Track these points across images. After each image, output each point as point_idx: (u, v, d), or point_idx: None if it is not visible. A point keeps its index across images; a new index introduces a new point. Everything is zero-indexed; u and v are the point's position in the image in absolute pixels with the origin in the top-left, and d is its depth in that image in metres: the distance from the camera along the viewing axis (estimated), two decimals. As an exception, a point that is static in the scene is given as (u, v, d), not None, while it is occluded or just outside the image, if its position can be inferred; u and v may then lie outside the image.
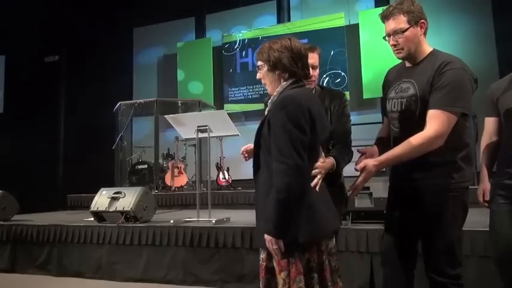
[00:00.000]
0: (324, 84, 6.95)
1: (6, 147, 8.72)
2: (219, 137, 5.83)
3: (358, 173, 1.80)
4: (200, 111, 6.85)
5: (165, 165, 6.99)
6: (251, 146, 1.92)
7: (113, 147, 6.65)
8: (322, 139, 1.70)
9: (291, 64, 1.62)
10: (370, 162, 1.76)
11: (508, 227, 1.90)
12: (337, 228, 1.69)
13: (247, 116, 8.02)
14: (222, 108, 7.97)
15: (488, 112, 2.13)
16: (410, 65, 1.94)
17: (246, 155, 2.01)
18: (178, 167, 6.72)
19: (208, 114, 4.44)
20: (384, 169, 2.19)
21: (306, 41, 6.80)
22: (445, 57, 1.80)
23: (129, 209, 3.89)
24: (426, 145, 1.74)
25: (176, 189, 6.56)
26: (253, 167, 1.68)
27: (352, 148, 2.13)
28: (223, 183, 6.62)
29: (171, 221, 3.87)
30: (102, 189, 4.22)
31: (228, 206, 5.70)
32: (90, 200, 4.26)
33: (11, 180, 6.66)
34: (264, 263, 1.63)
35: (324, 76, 7.60)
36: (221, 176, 6.66)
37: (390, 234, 2.01)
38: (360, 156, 1.94)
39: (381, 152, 1.93)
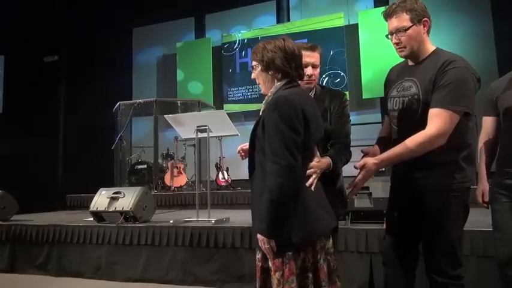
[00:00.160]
0: (323, 84, 6.95)
1: (6, 147, 8.72)
2: (219, 137, 5.84)
3: (357, 173, 1.80)
4: (199, 111, 6.84)
5: (164, 165, 6.99)
6: (248, 144, 1.93)
7: (112, 147, 6.64)
8: (316, 139, 1.70)
9: (284, 64, 1.62)
10: (370, 161, 1.76)
11: None
12: (333, 228, 1.69)
13: (247, 116, 8.02)
14: (222, 108, 7.97)
15: (487, 111, 2.12)
16: (413, 64, 1.92)
17: (243, 153, 2.01)
18: (177, 167, 6.72)
19: (208, 114, 4.44)
20: (384, 169, 2.19)
21: (305, 41, 6.81)
22: (448, 56, 1.79)
23: (128, 209, 3.89)
24: (427, 144, 1.72)
25: (175, 189, 6.56)
26: (249, 167, 1.69)
27: (355, 148, 2.12)
28: (223, 183, 6.62)
29: (171, 221, 3.87)
30: (101, 189, 4.22)
31: (228, 206, 5.71)
32: (90, 200, 4.26)
33: (11, 180, 6.67)
34: (260, 263, 1.63)
35: (324, 76, 7.60)
36: (220, 176, 6.66)
37: (391, 234, 2.01)
38: (363, 156, 1.93)
39: (382, 152, 1.92)
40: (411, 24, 1.81)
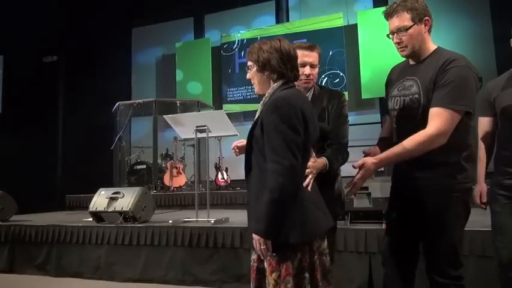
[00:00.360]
0: (323, 85, 6.95)
1: (5, 148, 8.70)
2: (218, 137, 5.84)
3: (356, 173, 1.79)
4: (199, 111, 6.84)
5: (163, 165, 6.99)
6: (243, 141, 1.93)
7: (112, 148, 6.63)
8: (314, 139, 1.70)
9: (279, 65, 1.62)
10: (369, 160, 1.75)
11: None
12: (329, 228, 1.69)
13: (246, 116, 8.02)
14: (221, 108, 7.96)
15: (483, 112, 2.10)
16: (414, 63, 1.91)
17: (237, 150, 2.01)
18: (177, 167, 6.72)
19: (207, 114, 4.44)
20: (383, 169, 2.19)
21: (304, 41, 6.80)
22: (449, 55, 1.78)
23: (127, 209, 3.89)
24: (427, 143, 1.71)
25: (175, 189, 6.56)
26: (245, 168, 1.68)
27: (354, 148, 2.12)
28: (222, 184, 6.62)
29: (170, 221, 3.87)
30: (100, 189, 4.22)
31: (227, 206, 5.71)
32: (89, 200, 4.26)
33: (10, 181, 6.65)
34: (256, 264, 1.63)
35: (323, 76, 7.60)
36: (220, 176, 6.66)
37: (391, 233, 2.00)
38: (364, 157, 1.92)
39: (382, 152, 1.91)
40: (412, 24, 1.80)
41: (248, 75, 1.72)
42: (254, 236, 1.54)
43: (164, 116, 4.19)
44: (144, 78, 9.39)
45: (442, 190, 1.78)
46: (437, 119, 1.71)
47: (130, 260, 3.79)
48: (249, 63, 1.69)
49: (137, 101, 7.16)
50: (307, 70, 2.04)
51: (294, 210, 1.54)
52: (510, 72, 2.08)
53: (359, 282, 3.04)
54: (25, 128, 8.87)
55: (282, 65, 1.62)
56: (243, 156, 1.73)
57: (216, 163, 6.71)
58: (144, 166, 6.86)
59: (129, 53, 9.56)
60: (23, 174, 8.42)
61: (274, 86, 1.64)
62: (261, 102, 1.68)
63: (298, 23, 8.09)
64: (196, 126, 3.99)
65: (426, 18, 1.82)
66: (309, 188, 1.69)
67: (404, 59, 1.99)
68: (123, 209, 3.91)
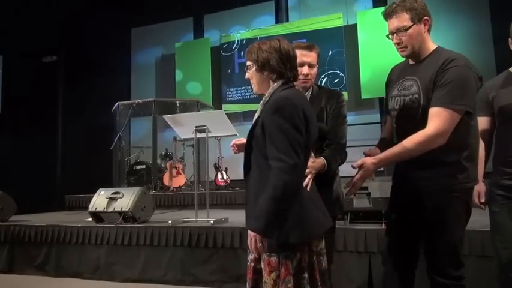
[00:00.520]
0: (322, 85, 6.96)
1: (4, 148, 8.70)
2: (217, 137, 5.83)
3: (355, 173, 1.79)
4: (198, 111, 6.84)
5: (163, 165, 6.98)
6: (242, 139, 1.93)
7: (111, 148, 6.63)
8: (313, 139, 1.70)
9: (278, 65, 1.62)
10: (368, 160, 1.75)
11: None
12: (328, 228, 1.69)
13: (246, 116, 8.01)
14: (220, 108, 7.96)
15: (481, 111, 2.08)
16: (414, 63, 1.91)
17: (236, 148, 2.02)
18: (176, 167, 6.71)
19: (207, 115, 4.44)
20: (382, 169, 2.18)
21: (304, 41, 6.80)
22: (449, 54, 1.77)
23: (127, 209, 3.89)
24: (426, 143, 1.70)
25: (174, 189, 6.56)
26: (244, 167, 1.68)
27: (354, 148, 2.13)
28: (222, 184, 6.61)
29: (170, 221, 3.87)
30: (100, 189, 4.22)
31: (227, 206, 5.70)
32: (88, 200, 4.26)
33: (9, 181, 6.65)
34: (253, 264, 1.63)
35: (322, 76, 7.60)
36: (219, 176, 6.66)
37: (392, 233, 2.00)
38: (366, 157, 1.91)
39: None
40: (412, 24, 1.80)
41: (247, 75, 1.72)
42: (250, 233, 1.52)
43: (164, 116, 4.19)
44: (143, 78, 9.38)
45: (442, 190, 1.77)
46: (437, 119, 1.70)
47: (129, 260, 3.79)
48: (248, 63, 1.69)
49: (137, 101, 7.15)
50: (305, 70, 2.04)
51: (294, 209, 1.53)
52: (508, 71, 2.08)
53: (358, 282, 3.04)
54: (24, 128, 8.87)
55: (281, 65, 1.62)
56: (242, 156, 1.73)
57: (216, 163, 6.71)
58: (144, 166, 6.86)
59: (128, 53, 9.56)
60: (23, 175, 8.43)
61: (274, 85, 1.64)
62: (261, 102, 1.68)
63: (297, 23, 8.09)
64: (196, 126, 3.99)
65: (425, 18, 1.82)
66: (308, 188, 1.69)
67: (404, 59, 1.98)
68: (123, 209, 3.90)
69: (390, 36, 1.89)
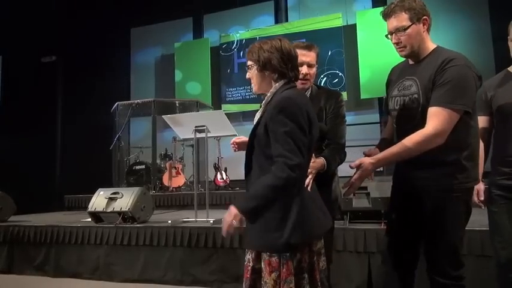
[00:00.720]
0: (322, 85, 6.96)
1: (3, 148, 8.69)
2: (217, 137, 5.83)
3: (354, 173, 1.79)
4: (198, 111, 6.84)
5: (162, 165, 6.98)
6: (242, 138, 1.94)
7: (111, 148, 6.63)
8: (315, 140, 1.70)
9: (280, 65, 1.61)
10: (367, 160, 1.75)
11: (511, 227, 1.90)
12: (328, 229, 1.69)
13: (245, 116, 8.01)
14: (220, 108, 7.95)
15: (479, 110, 2.07)
16: (414, 63, 1.91)
17: (236, 146, 2.01)
18: (176, 168, 6.71)
19: (206, 115, 4.44)
20: (381, 169, 2.18)
21: (303, 41, 6.79)
22: (448, 54, 1.77)
23: (126, 209, 3.88)
24: (425, 143, 1.70)
25: (174, 189, 6.55)
26: (245, 167, 1.68)
27: (353, 148, 2.13)
28: (221, 184, 6.61)
29: (169, 222, 3.87)
30: (99, 189, 4.21)
31: (226, 206, 5.65)
32: (88, 200, 4.26)
33: (8, 181, 6.64)
34: (251, 264, 1.62)
35: (322, 76, 7.60)
36: (219, 176, 6.65)
37: (392, 233, 2.00)
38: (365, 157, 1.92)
39: None
40: (410, 24, 1.80)
41: (248, 75, 1.71)
42: (232, 208, 1.52)
43: (163, 116, 4.19)
44: (143, 78, 9.38)
45: (442, 190, 1.77)
46: (435, 119, 1.70)
47: (129, 260, 3.78)
48: (249, 62, 1.68)
49: (136, 101, 7.15)
50: (304, 69, 2.04)
51: (295, 210, 1.53)
52: (506, 70, 2.08)
53: (358, 282, 3.04)
54: (24, 128, 8.86)
55: (282, 65, 1.62)
56: (242, 156, 1.73)
57: (215, 163, 6.71)
58: (143, 166, 6.85)
59: (128, 53, 9.55)
60: (22, 175, 8.41)
61: (276, 85, 1.64)
62: (263, 102, 1.67)
63: (297, 23, 8.09)
64: (195, 127, 3.99)
65: (424, 17, 1.82)
66: (309, 188, 1.69)
67: (404, 59, 1.98)
68: (122, 209, 3.90)
69: (389, 36, 1.89)
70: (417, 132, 1.72)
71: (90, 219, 4.16)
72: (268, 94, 1.65)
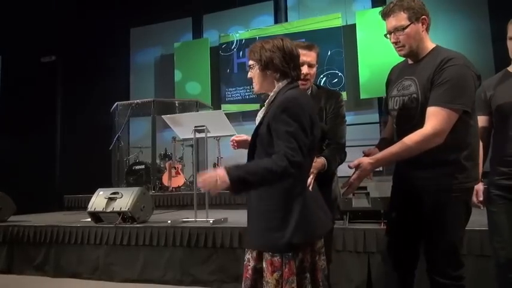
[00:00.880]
0: (321, 84, 6.96)
1: (3, 148, 8.68)
2: (217, 137, 5.83)
3: (352, 173, 1.79)
4: (197, 111, 6.84)
5: (162, 165, 6.98)
6: (243, 136, 1.94)
7: (110, 148, 6.63)
8: (317, 141, 1.70)
9: (282, 64, 1.61)
10: (366, 160, 1.75)
11: (510, 227, 1.90)
12: (330, 228, 1.69)
13: (245, 116, 8.02)
14: (220, 108, 7.95)
15: (478, 110, 2.05)
16: (413, 62, 1.91)
17: (235, 144, 2.01)
18: (175, 168, 6.71)
19: (206, 115, 4.44)
20: (381, 169, 2.18)
21: (303, 41, 6.79)
22: (447, 53, 1.77)
23: (126, 209, 3.88)
24: (424, 143, 1.70)
25: (173, 189, 6.55)
26: None
27: (353, 148, 2.13)
28: (221, 184, 6.60)
29: (169, 222, 3.86)
30: (99, 189, 4.21)
31: (226, 206, 5.70)
32: (87, 200, 4.25)
33: (8, 181, 6.64)
34: (252, 263, 1.62)
35: (321, 76, 7.60)
36: (219, 176, 6.64)
37: (392, 233, 2.00)
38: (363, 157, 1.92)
39: None
40: (409, 23, 1.80)
41: (249, 74, 1.70)
42: (220, 171, 1.42)
43: (163, 116, 4.19)
44: (142, 79, 9.38)
45: (442, 190, 1.77)
46: (434, 119, 1.70)
47: (129, 260, 3.78)
48: (251, 62, 1.68)
49: (136, 101, 7.15)
50: (304, 69, 2.04)
51: (297, 209, 1.53)
52: (506, 70, 2.08)
53: (358, 282, 3.04)
54: (23, 128, 8.84)
55: (284, 64, 1.61)
56: (242, 156, 1.73)
57: (215, 163, 6.71)
58: (143, 166, 6.85)
59: (127, 53, 9.55)
60: (21, 175, 8.40)
61: (279, 85, 1.64)
62: (266, 101, 1.67)
63: (296, 23, 8.09)
64: (195, 126, 3.99)
65: (423, 17, 1.82)
66: (311, 187, 1.69)
67: (404, 58, 1.98)
68: (122, 209, 3.90)
69: (388, 35, 1.89)
70: (416, 132, 1.72)
71: (89, 219, 4.16)
72: (272, 94, 1.65)
